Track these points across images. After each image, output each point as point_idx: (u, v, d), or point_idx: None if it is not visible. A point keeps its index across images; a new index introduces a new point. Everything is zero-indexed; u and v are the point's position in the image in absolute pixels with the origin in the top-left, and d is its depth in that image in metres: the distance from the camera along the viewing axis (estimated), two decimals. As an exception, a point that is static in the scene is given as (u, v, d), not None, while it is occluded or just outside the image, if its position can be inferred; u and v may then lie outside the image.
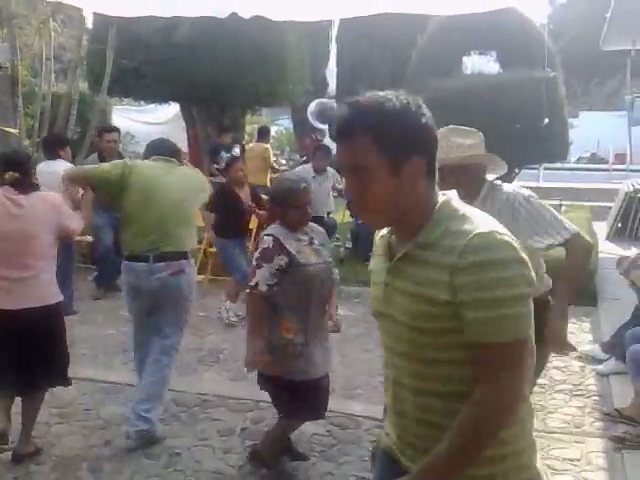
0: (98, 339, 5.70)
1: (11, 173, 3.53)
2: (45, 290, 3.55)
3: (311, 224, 3.46)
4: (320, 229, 3.54)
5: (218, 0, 5.97)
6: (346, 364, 5.26)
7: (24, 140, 9.76)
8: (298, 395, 3.28)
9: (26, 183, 3.57)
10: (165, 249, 3.81)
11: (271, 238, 3.22)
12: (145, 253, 3.80)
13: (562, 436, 4.02)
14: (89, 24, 11.74)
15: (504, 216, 2.56)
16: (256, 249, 3.33)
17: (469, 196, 2.66)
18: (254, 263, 3.22)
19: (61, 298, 3.67)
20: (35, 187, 3.63)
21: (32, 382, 3.57)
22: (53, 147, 6.82)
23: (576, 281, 3.03)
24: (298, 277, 3.20)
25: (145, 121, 17.79)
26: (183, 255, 3.90)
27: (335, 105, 14.95)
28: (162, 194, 3.82)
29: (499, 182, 3.03)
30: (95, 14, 11.03)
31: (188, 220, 4.01)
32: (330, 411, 4.23)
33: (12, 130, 8.66)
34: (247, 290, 3.24)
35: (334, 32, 19.00)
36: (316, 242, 3.36)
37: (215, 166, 9.34)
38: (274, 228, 3.31)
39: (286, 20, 7.27)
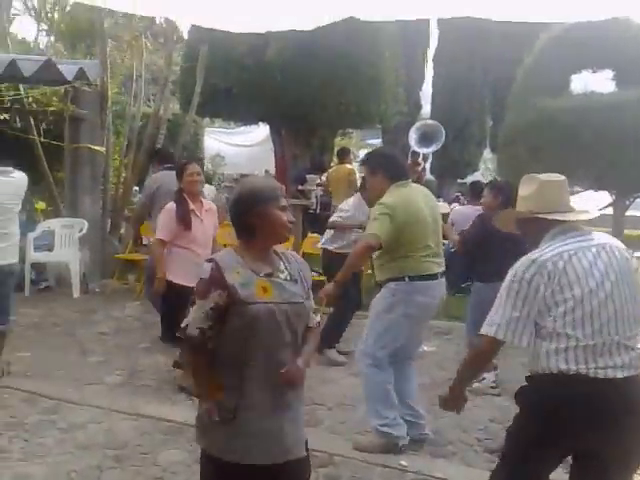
0: (166, 370, 5.13)
1: None
2: None
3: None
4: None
5: (306, 9, 5.61)
6: (436, 412, 4.63)
7: (113, 159, 9.71)
8: None
9: None
10: None
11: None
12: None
13: None
14: (182, 43, 11.75)
15: None
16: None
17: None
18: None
19: None
20: None
21: None
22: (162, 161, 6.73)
23: None
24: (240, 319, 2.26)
25: (234, 143, 17.83)
26: None
27: (441, 128, 14.22)
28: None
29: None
30: (189, 32, 11.03)
31: None
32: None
33: (99, 148, 8.56)
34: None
35: (431, 53, 18.43)
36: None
37: (299, 187, 9.06)
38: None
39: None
